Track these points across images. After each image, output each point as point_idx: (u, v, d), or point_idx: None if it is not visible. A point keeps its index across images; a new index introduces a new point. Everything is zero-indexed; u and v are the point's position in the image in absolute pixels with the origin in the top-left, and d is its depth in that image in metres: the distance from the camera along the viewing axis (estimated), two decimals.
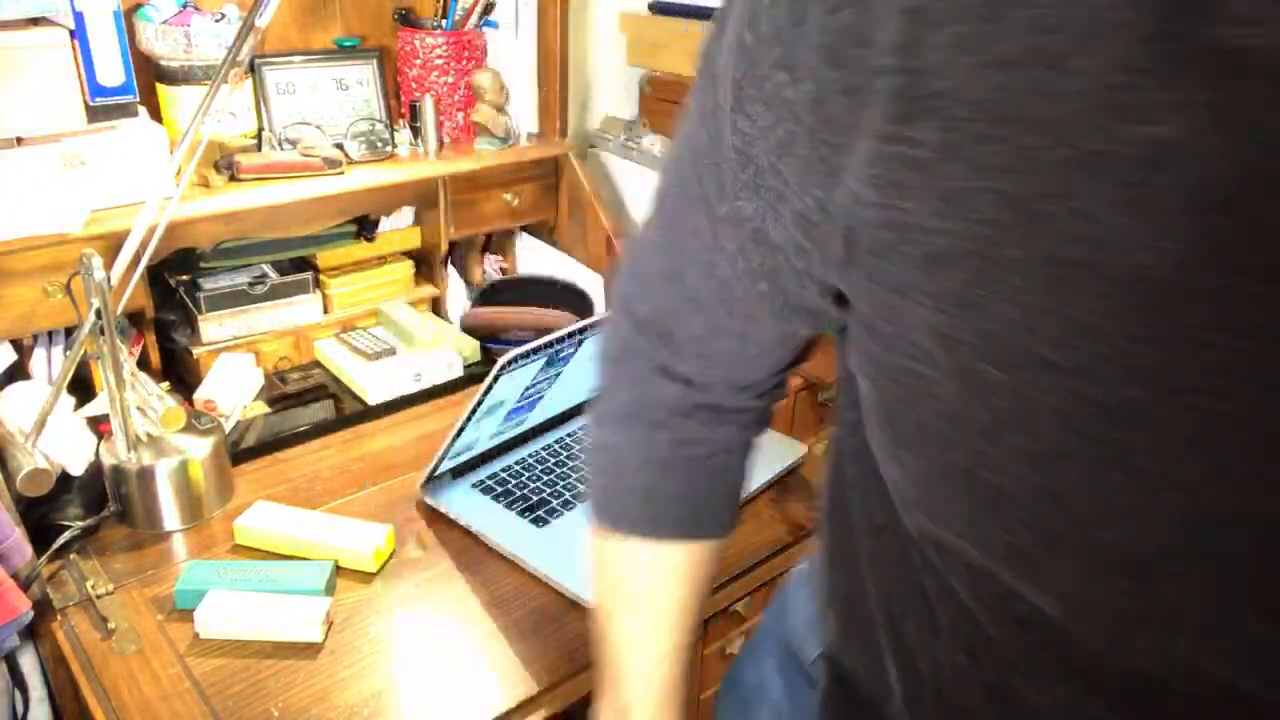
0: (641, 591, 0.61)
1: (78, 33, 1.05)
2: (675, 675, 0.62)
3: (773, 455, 1.18)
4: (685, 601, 0.62)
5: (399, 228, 1.43)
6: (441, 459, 1.05)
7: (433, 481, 1.09)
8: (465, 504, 1.07)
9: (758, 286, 0.48)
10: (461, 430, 1.02)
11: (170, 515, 1.04)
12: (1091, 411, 0.35)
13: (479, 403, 0.98)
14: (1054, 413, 0.35)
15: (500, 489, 1.10)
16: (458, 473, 1.11)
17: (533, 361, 1.01)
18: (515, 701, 0.85)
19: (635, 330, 0.57)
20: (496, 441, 1.14)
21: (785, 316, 0.49)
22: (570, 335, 1.03)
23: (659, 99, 1.61)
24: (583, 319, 1.35)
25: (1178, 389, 0.33)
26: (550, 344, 1.01)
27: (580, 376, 1.16)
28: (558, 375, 1.10)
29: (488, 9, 1.44)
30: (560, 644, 0.91)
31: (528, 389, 1.07)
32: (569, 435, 1.20)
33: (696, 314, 0.53)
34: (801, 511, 1.11)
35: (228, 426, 1.18)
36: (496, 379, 0.96)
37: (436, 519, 1.07)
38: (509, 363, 0.96)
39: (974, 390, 0.37)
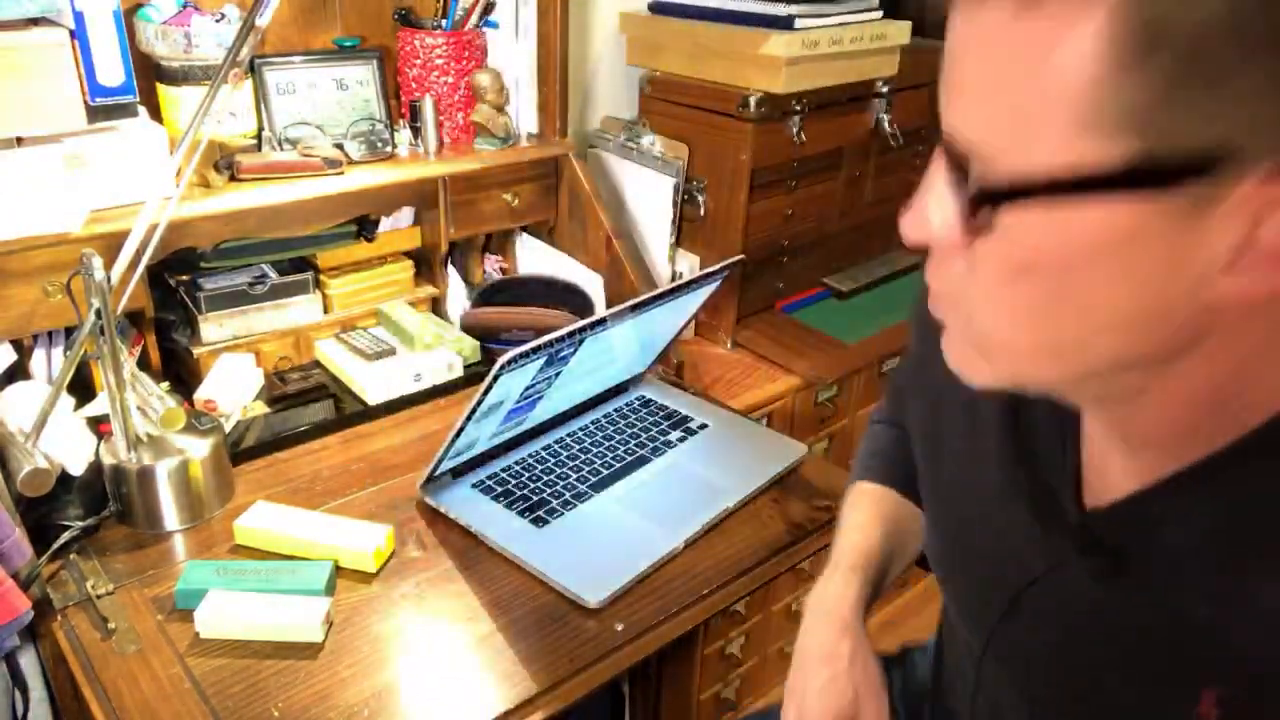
0: (860, 500, 0.90)
1: (78, 33, 1.05)
2: (870, 549, 0.85)
3: (772, 455, 1.18)
4: (883, 515, 0.88)
5: (399, 228, 1.44)
6: (441, 459, 1.05)
7: (433, 482, 1.09)
8: (465, 504, 1.07)
9: None
10: (461, 430, 1.02)
11: (170, 515, 1.04)
12: (941, 499, 0.74)
13: (479, 403, 0.98)
14: (934, 498, 0.76)
15: (500, 489, 1.10)
16: (458, 473, 1.11)
17: (532, 361, 1.01)
18: (515, 702, 0.85)
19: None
20: (496, 441, 1.14)
21: None
22: (570, 335, 1.03)
23: (659, 99, 1.61)
24: (583, 318, 1.35)
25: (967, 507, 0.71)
26: (550, 344, 1.01)
27: (580, 376, 1.16)
28: (557, 375, 1.10)
29: (488, 9, 1.44)
30: (560, 644, 0.91)
31: (527, 389, 1.07)
32: (569, 435, 1.20)
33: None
34: (801, 511, 1.11)
35: (228, 426, 1.18)
36: (496, 378, 0.96)
37: (436, 519, 1.07)
38: (508, 362, 0.96)
39: (924, 483, 0.78)
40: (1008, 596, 0.63)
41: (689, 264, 1.59)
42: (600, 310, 1.49)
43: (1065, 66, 0.38)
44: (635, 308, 1.08)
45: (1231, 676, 0.50)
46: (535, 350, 0.99)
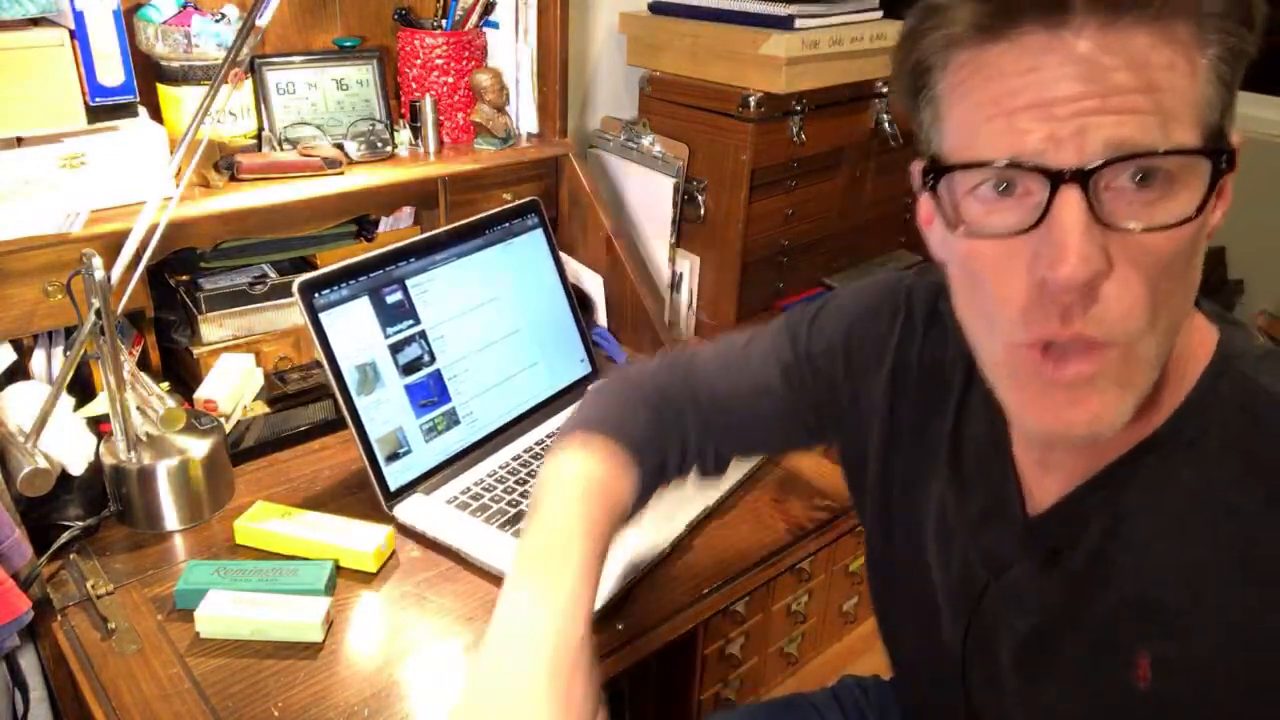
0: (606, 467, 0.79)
1: (78, 33, 1.05)
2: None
3: None
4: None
5: (399, 228, 1.44)
6: (379, 466, 1.06)
7: (398, 498, 1.07)
8: (442, 521, 1.05)
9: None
10: (354, 410, 1.04)
11: (170, 515, 1.04)
12: (894, 525, 0.79)
13: (332, 359, 1.02)
14: (883, 526, 0.81)
15: (475, 503, 1.08)
16: (429, 489, 1.10)
17: (351, 301, 1.06)
18: None
19: None
20: (450, 450, 1.13)
21: None
22: (386, 260, 1.09)
23: (659, 99, 1.61)
24: (584, 320, 1.35)
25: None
26: (356, 272, 1.06)
27: (489, 361, 1.18)
28: (421, 332, 1.12)
29: (488, 9, 1.44)
30: None
31: (398, 348, 1.09)
32: (536, 443, 1.19)
33: None
34: (801, 511, 1.11)
35: (228, 426, 1.18)
36: (316, 316, 1.03)
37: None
38: (309, 289, 1.03)
39: (871, 514, 0.82)
40: (970, 604, 0.71)
41: (689, 264, 1.59)
42: (601, 313, 1.50)
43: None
44: (434, 244, 1.16)
45: (1159, 639, 0.59)
46: (340, 280, 1.05)
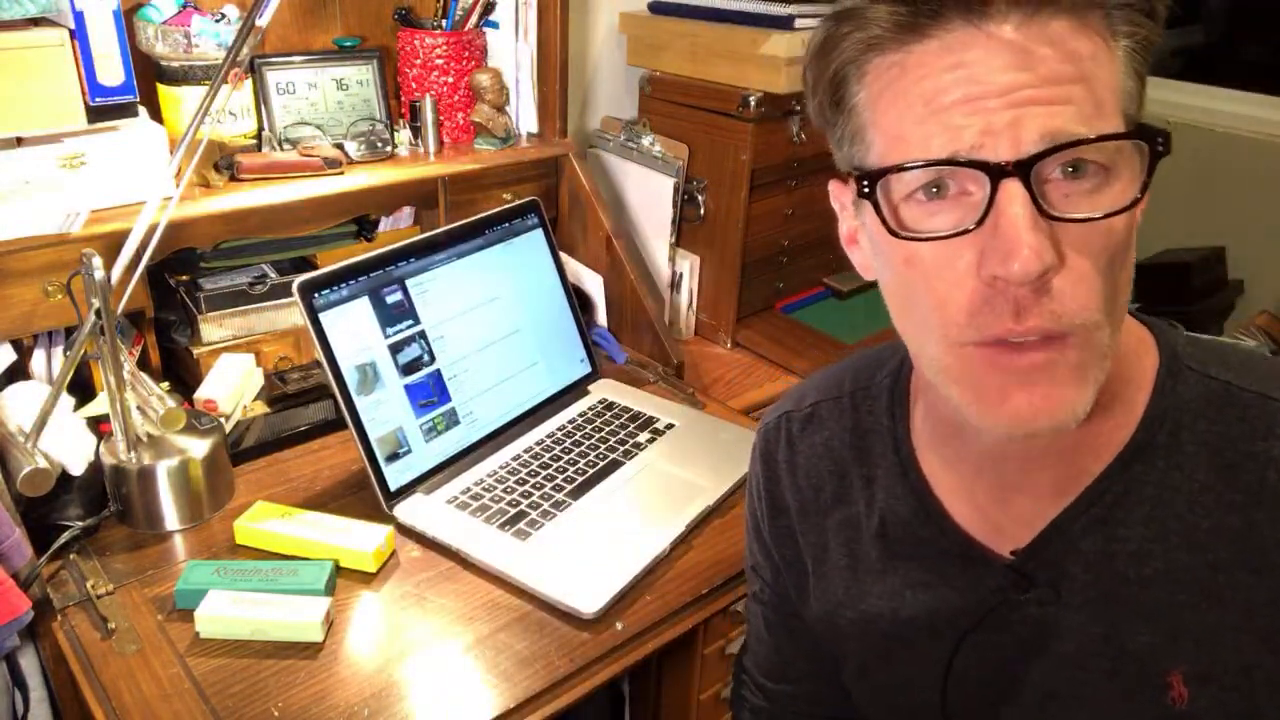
0: None
1: (78, 33, 1.05)
2: None
3: (742, 450, 1.16)
4: None
5: (399, 228, 1.44)
6: (379, 465, 1.06)
7: (399, 498, 1.08)
8: (442, 521, 1.05)
9: None
10: (353, 408, 1.04)
11: (170, 515, 1.04)
12: (865, 612, 0.73)
13: (332, 359, 1.03)
14: (856, 614, 0.74)
15: (475, 503, 1.08)
16: (430, 489, 1.10)
17: (350, 301, 1.06)
18: (515, 701, 0.85)
19: None
20: (449, 451, 1.14)
21: None
22: (386, 260, 1.10)
23: (659, 99, 1.61)
24: (584, 320, 1.35)
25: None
26: (356, 272, 1.06)
27: (489, 363, 1.18)
28: (420, 333, 1.12)
29: (488, 9, 1.44)
30: (560, 644, 0.91)
31: (398, 348, 1.10)
32: (537, 444, 1.20)
33: None
34: None
35: (228, 426, 1.18)
36: (317, 317, 1.03)
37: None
38: (309, 290, 1.03)
39: (843, 620, 0.76)
40: (945, 656, 0.67)
41: (689, 264, 1.59)
42: (601, 313, 1.50)
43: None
44: (434, 244, 1.16)
45: (1189, 652, 0.57)
46: (340, 280, 1.06)
